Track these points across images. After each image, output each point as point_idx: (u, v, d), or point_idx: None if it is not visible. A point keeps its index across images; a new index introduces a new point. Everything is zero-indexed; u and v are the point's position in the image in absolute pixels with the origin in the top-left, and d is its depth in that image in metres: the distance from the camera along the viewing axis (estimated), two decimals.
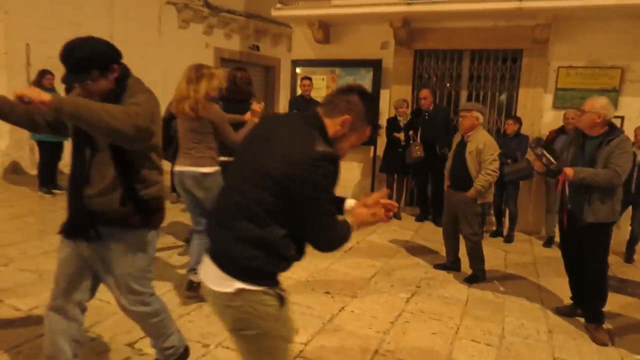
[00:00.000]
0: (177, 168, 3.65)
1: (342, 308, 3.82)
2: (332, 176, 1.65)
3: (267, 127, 1.81)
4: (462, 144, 4.71)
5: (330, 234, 1.71)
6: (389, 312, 3.81)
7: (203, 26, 10.29)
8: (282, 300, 1.74)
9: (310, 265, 4.71)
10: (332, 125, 1.74)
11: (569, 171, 3.52)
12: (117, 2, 8.81)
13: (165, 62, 9.30)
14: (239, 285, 1.66)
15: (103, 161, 2.11)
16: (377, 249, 5.49)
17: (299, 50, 8.20)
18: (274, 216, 1.64)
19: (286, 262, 1.73)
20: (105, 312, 3.29)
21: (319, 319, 3.56)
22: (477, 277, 4.68)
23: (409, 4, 6.76)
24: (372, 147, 7.79)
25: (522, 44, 6.84)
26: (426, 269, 4.96)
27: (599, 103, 3.58)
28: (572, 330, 3.75)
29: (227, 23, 10.77)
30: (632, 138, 5.73)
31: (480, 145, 4.54)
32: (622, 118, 6.48)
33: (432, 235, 6.21)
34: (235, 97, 4.27)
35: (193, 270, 3.68)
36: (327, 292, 4.09)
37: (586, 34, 6.51)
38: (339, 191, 7.20)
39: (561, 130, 6.18)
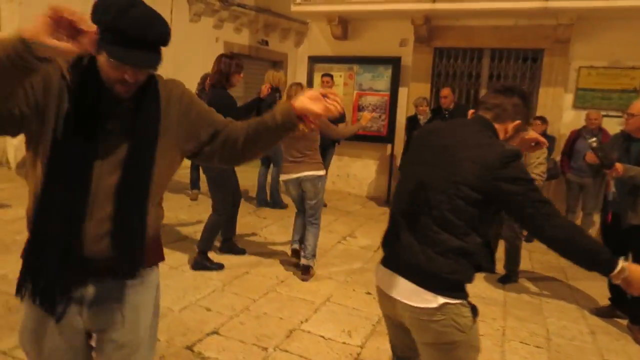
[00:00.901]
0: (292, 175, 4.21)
1: None
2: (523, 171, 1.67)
3: (438, 136, 1.81)
4: None
5: (555, 220, 1.61)
6: None
7: (214, 20, 10.18)
8: (475, 311, 1.74)
9: (345, 265, 4.71)
10: (502, 130, 1.77)
11: (619, 167, 3.53)
12: None
13: (176, 56, 9.18)
14: (443, 300, 1.66)
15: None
16: None
17: (316, 47, 8.15)
18: (472, 224, 1.65)
19: (475, 272, 1.73)
20: None
21: (368, 321, 3.56)
22: (510, 277, 4.70)
23: (434, 1, 6.73)
24: (389, 145, 7.80)
25: (543, 43, 6.86)
26: None
27: None
28: (614, 331, 3.79)
29: (237, 17, 10.66)
30: None
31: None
32: None
33: None
34: (222, 84, 4.21)
35: (296, 241, 4.50)
36: (369, 293, 4.08)
37: (608, 34, 6.54)
38: (355, 188, 7.25)
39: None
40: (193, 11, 9.71)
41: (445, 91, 6.76)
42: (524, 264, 5.25)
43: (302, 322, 3.44)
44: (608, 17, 6.38)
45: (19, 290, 1.38)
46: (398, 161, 7.83)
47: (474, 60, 7.30)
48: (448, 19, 7.16)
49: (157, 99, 1.41)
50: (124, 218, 1.36)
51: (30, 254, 1.36)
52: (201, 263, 4.28)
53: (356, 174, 8.15)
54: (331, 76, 7.13)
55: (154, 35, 1.26)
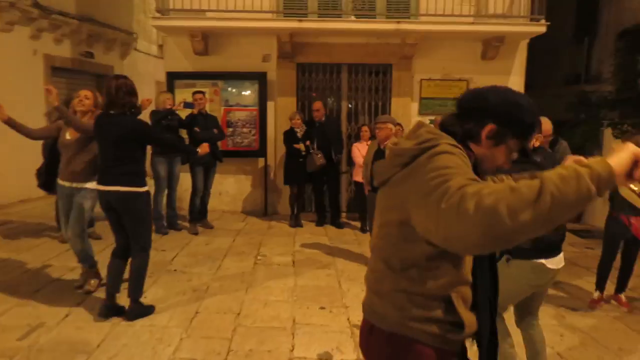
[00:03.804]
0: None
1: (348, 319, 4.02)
2: None
3: None
4: (381, 152, 5.33)
5: None
6: None
7: (30, 29, 8.77)
8: None
9: (280, 284, 4.74)
10: None
11: None
12: None
13: None
14: None
15: None
16: (316, 261, 5.72)
17: (174, 62, 7.75)
18: None
19: None
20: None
21: (344, 334, 3.70)
22: None
23: (300, 20, 7.07)
24: (261, 159, 7.89)
25: (391, 59, 7.81)
26: None
27: None
28: None
29: (58, 26, 9.37)
30: None
31: None
32: None
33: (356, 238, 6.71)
34: (115, 109, 3.67)
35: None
36: (322, 308, 4.21)
37: (440, 52, 7.79)
38: (229, 205, 7.34)
39: None
40: (5, 19, 8.24)
41: (317, 104, 7.19)
42: None
43: (291, 351, 3.42)
44: (441, 38, 7.60)
45: None
46: (272, 174, 8.00)
47: (333, 74, 7.89)
48: (309, 36, 7.58)
49: None
50: None
51: None
52: (139, 311, 3.85)
53: (229, 190, 8.03)
54: (203, 93, 6.87)
55: None
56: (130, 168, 3.66)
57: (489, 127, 1.41)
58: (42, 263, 5.09)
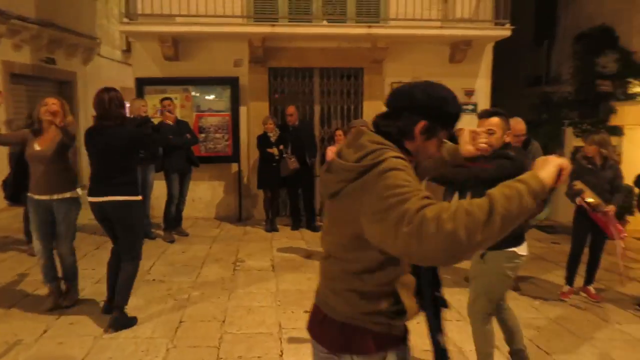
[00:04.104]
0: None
1: None
2: None
3: None
4: None
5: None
6: None
7: None
8: None
9: (262, 289, 4.73)
10: None
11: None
12: None
13: None
14: None
15: None
16: (295, 265, 5.74)
17: (143, 68, 7.61)
18: None
19: None
20: None
21: None
22: None
23: (273, 25, 7.08)
24: (234, 164, 7.85)
25: (362, 63, 7.91)
26: None
27: None
28: None
29: (17, 32, 9.03)
30: None
31: None
32: None
33: None
34: (109, 122, 3.76)
35: None
36: (306, 311, 4.22)
37: (409, 56, 7.94)
38: (202, 212, 7.37)
39: None
40: None
41: (291, 109, 7.21)
42: None
43: (280, 356, 3.43)
44: (410, 42, 7.75)
45: None
46: (245, 179, 7.96)
47: (305, 79, 7.93)
48: (282, 41, 7.59)
49: None
50: None
51: None
52: (124, 321, 3.78)
53: (201, 197, 7.94)
54: (171, 99, 6.79)
55: None
56: (128, 178, 3.79)
57: (421, 124, 1.49)
58: (11, 278, 4.92)
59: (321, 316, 1.63)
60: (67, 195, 4.02)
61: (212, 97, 7.70)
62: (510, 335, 3.22)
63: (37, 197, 4.00)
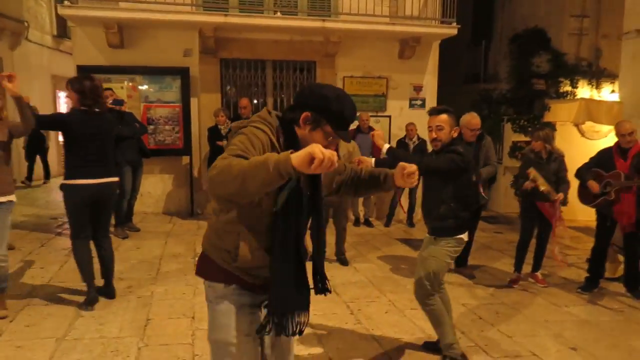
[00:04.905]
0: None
1: None
2: None
3: None
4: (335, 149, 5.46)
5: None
6: None
7: None
8: None
9: None
10: None
11: None
12: None
13: None
14: None
15: None
16: None
17: (84, 55, 7.18)
18: None
19: None
20: None
21: None
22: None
23: (226, 15, 6.92)
24: (185, 157, 7.63)
25: (314, 56, 7.93)
26: None
27: None
28: None
29: None
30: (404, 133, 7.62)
31: (350, 148, 5.43)
32: (390, 117, 8.37)
33: None
34: (99, 107, 3.96)
35: None
36: None
37: (360, 51, 8.05)
38: (151, 207, 7.25)
39: (358, 130, 7.51)
40: None
41: (244, 101, 7.10)
42: None
43: None
44: (362, 36, 7.85)
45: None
46: (196, 172, 7.76)
47: (258, 71, 7.83)
48: (233, 32, 7.44)
49: None
50: None
51: None
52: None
53: (150, 191, 7.65)
54: (111, 89, 6.38)
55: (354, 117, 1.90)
56: (113, 160, 4.13)
57: (305, 114, 1.80)
58: None
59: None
60: (10, 197, 3.73)
61: (160, 87, 7.41)
62: (448, 311, 3.46)
63: None
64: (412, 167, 1.97)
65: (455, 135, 3.29)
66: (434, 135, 3.27)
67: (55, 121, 4.29)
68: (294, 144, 1.77)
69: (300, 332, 1.90)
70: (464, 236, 3.29)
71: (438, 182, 3.29)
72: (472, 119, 5.04)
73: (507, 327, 3.96)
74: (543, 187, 4.61)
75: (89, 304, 3.93)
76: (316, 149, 1.48)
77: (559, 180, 4.89)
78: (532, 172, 4.66)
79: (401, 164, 2.02)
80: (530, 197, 4.97)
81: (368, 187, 2.17)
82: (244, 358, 1.88)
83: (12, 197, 3.73)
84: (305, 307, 1.91)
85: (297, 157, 1.49)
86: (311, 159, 1.47)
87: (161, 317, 3.85)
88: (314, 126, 1.80)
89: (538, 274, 5.19)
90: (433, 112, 3.32)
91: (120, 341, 3.41)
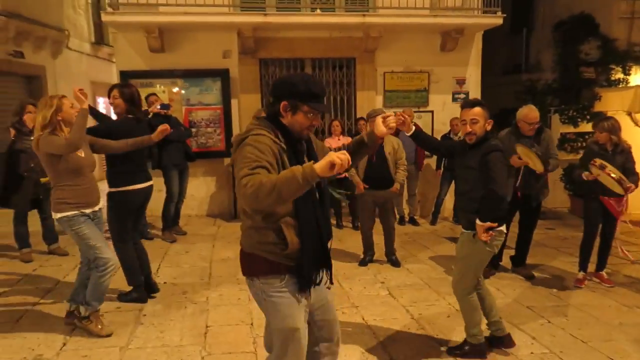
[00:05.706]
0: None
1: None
2: None
3: None
4: (380, 147, 5.30)
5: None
6: None
7: None
8: None
9: None
10: None
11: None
12: None
13: None
14: None
15: None
16: None
17: (127, 60, 7.24)
18: None
19: None
20: None
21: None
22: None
23: (265, 14, 6.84)
24: (227, 159, 7.61)
25: (354, 52, 7.78)
26: None
27: None
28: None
29: None
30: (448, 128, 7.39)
31: (395, 145, 5.28)
32: (432, 112, 8.15)
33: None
34: (139, 114, 4.21)
35: None
36: None
37: (400, 45, 7.86)
38: (195, 209, 7.15)
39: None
40: None
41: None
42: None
43: None
44: (402, 30, 7.66)
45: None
46: None
47: (297, 69, 7.73)
48: (270, 31, 7.36)
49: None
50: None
51: None
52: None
53: (194, 194, 7.65)
54: (156, 95, 6.41)
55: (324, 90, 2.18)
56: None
57: (282, 104, 2.03)
58: (9, 287, 4.57)
59: (240, 253, 2.22)
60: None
61: (201, 90, 7.40)
62: (489, 309, 3.40)
63: (87, 210, 3.51)
64: (389, 113, 2.31)
65: (489, 128, 3.24)
66: (469, 128, 3.21)
67: (111, 134, 3.93)
68: (287, 133, 2.04)
69: (331, 282, 2.32)
70: (503, 228, 3.22)
71: (474, 175, 3.20)
72: (529, 112, 4.81)
73: (580, 332, 3.74)
74: (614, 174, 4.32)
75: (141, 301, 4.15)
76: (334, 156, 1.75)
77: (626, 173, 4.61)
78: (599, 160, 4.40)
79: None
80: (593, 193, 4.71)
81: (356, 151, 2.31)
82: (304, 338, 2.16)
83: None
84: (327, 266, 2.25)
85: (320, 167, 1.76)
86: (332, 165, 1.74)
87: (220, 324, 3.79)
88: (294, 111, 2.03)
89: (603, 273, 4.93)
90: (467, 105, 3.29)
91: (182, 350, 3.37)
